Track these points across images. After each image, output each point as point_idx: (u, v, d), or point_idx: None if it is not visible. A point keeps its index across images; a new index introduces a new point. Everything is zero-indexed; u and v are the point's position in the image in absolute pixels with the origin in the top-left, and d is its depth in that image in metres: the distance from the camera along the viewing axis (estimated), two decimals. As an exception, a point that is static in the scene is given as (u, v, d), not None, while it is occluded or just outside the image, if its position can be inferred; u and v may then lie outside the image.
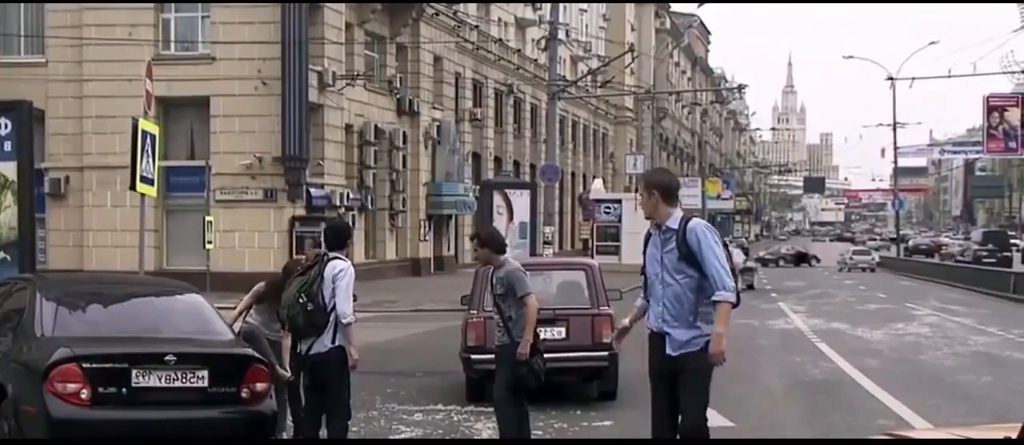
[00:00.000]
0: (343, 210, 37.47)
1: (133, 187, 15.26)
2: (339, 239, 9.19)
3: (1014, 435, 3.69)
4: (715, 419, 11.42)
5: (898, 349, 20.35)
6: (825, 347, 20.06)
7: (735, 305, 7.06)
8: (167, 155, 31.73)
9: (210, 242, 31.14)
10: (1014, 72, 50.19)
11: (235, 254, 33.42)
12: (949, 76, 69.07)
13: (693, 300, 7.05)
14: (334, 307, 8.78)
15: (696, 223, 7.13)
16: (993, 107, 52.71)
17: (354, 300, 8.98)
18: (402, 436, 11.18)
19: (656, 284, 7.19)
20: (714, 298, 6.98)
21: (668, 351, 7.09)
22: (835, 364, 17.53)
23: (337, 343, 8.83)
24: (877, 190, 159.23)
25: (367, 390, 12.22)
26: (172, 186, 33.72)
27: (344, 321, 8.80)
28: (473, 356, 12.48)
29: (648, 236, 7.35)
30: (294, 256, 11.07)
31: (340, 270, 8.84)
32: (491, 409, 12.12)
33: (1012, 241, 71.41)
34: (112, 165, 32.03)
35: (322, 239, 9.47)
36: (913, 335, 23.24)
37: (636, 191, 61.84)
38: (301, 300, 8.83)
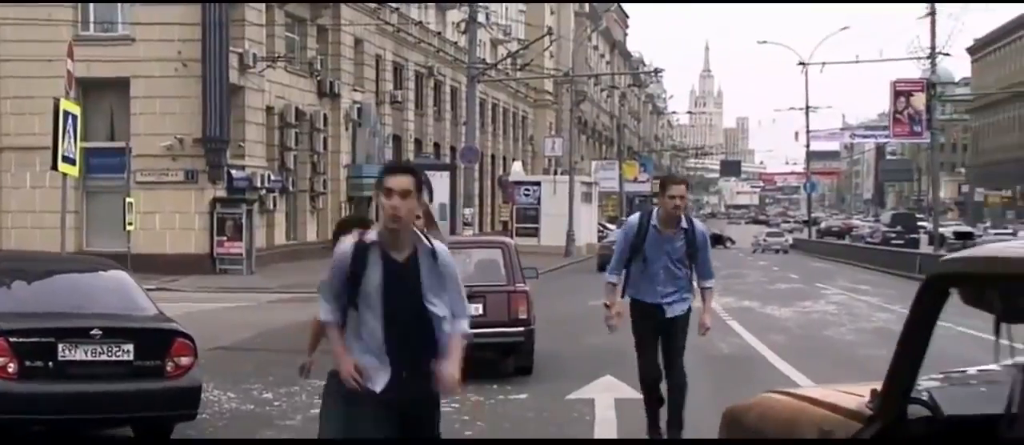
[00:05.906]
0: (264, 192, 37.50)
1: (55, 167, 15.36)
2: None
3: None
4: (624, 391, 11.89)
5: (804, 326, 21.06)
6: (735, 324, 20.62)
7: None
8: (87, 137, 31.28)
9: (131, 224, 30.99)
10: (920, 58, 51.42)
11: (156, 236, 33.30)
12: (857, 61, 70.85)
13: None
14: None
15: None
16: (900, 92, 53.83)
17: None
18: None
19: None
20: None
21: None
22: (743, 340, 18.14)
23: None
24: (791, 173, 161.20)
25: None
26: (92, 167, 33.41)
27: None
28: None
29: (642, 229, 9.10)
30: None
31: None
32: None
33: (920, 223, 73.03)
34: (31, 146, 31.80)
35: None
36: (820, 313, 24.01)
37: (556, 173, 62.55)
38: None
